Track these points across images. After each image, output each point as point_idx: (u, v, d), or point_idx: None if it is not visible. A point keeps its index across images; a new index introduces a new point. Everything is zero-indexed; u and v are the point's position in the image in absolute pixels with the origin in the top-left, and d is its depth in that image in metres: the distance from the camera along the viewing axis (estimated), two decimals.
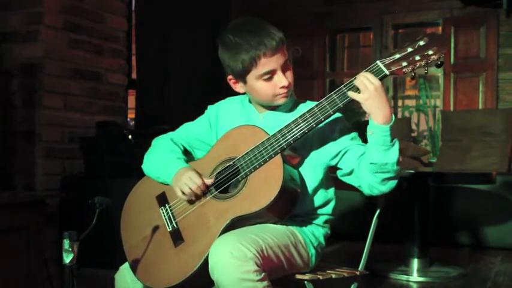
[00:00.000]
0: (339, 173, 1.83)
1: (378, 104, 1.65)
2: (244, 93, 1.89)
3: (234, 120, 1.88)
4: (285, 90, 1.78)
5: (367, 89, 1.64)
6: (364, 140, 1.78)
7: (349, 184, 2.00)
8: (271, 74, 1.76)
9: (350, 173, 1.79)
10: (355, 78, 1.67)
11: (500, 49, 6.03)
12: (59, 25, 3.64)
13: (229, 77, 1.84)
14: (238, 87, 1.85)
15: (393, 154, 1.68)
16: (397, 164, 1.69)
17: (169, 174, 1.80)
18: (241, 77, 1.79)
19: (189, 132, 1.96)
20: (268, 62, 1.73)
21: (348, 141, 1.78)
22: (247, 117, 1.89)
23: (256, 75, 1.76)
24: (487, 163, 5.04)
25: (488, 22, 6.04)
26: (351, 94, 1.66)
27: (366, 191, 1.76)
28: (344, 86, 1.68)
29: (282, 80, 1.76)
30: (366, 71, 1.67)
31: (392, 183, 1.73)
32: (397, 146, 1.69)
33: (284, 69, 1.77)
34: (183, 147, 1.94)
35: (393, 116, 1.68)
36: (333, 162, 1.81)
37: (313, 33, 6.68)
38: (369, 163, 1.69)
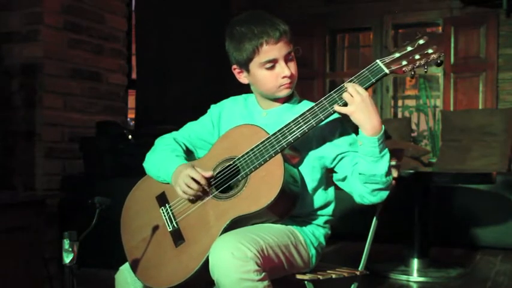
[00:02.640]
0: (334, 176, 1.84)
1: (365, 115, 1.65)
2: (244, 89, 1.89)
3: (236, 120, 1.88)
4: (287, 81, 1.79)
5: (353, 102, 1.64)
6: None
7: None
8: (273, 62, 1.77)
9: (343, 179, 1.80)
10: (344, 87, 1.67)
11: (500, 49, 6.04)
12: (59, 25, 3.64)
13: (234, 66, 1.86)
14: (243, 77, 1.86)
15: (382, 166, 1.68)
16: (386, 175, 1.69)
17: (168, 172, 1.80)
18: (245, 65, 1.81)
19: (191, 132, 1.96)
20: (271, 50, 1.75)
21: (346, 147, 1.78)
22: (250, 115, 1.89)
23: (258, 63, 1.77)
24: (487, 163, 5.04)
25: (488, 22, 6.05)
26: (338, 108, 1.67)
27: (357, 199, 1.77)
28: (338, 89, 1.68)
29: (284, 69, 1.77)
30: (366, 69, 1.67)
31: (383, 194, 1.73)
32: (387, 157, 1.69)
33: (287, 60, 1.79)
34: (186, 146, 1.94)
35: (383, 126, 1.68)
36: (331, 165, 1.81)
37: (313, 33, 6.69)
38: (358, 173, 1.70)
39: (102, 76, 4.01)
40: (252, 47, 1.75)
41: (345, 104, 1.67)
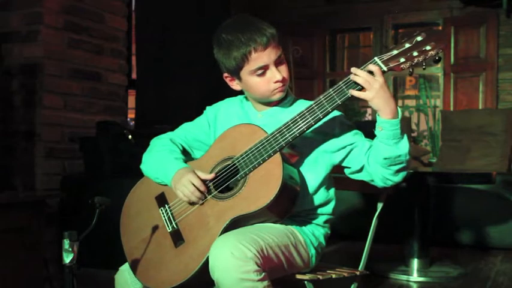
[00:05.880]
0: (347, 171, 1.83)
1: (385, 100, 1.64)
2: (241, 91, 1.89)
3: (232, 121, 1.88)
4: (280, 85, 1.78)
5: (372, 87, 1.63)
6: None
7: (349, 184, 2.00)
8: (263, 69, 1.76)
9: (360, 170, 1.78)
10: (350, 76, 1.66)
11: (500, 49, 6.04)
12: (59, 25, 3.64)
13: (225, 74, 1.86)
14: (235, 84, 1.86)
15: (404, 145, 1.68)
16: (409, 153, 1.70)
17: (168, 175, 1.80)
18: (236, 73, 1.80)
19: (187, 133, 1.96)
20: (260, 57, 1.74)
21: (351, 137, 1.78)
22: (246, 117, 1.89)
23: (249, 70, 1.76)
24: (487, 163, 5.04)
25: (488, 22, 6.05)
26: (357, 94, 1.65)
27: (380, 183, 1.76)
28: (343, 83, 1.67)
29: (275, 74, 1.77)
30: (364, 67, 1.66)
31: (405, 173, 1.74)
32: (406, 137, 1.69)
33: (277, 64, 1.78)
34: (182, 147, 1.94)
35: (399, 109, 1.68)
36: (337, 160, 1.80)
37: (313, 33, 6.68)
38: (383, 158, 1.69)
39: (102, 76, 4.00)
40: (240, 55, 1.74)
41: (359, 89, 1.65)
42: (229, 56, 1.76)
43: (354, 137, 1.79)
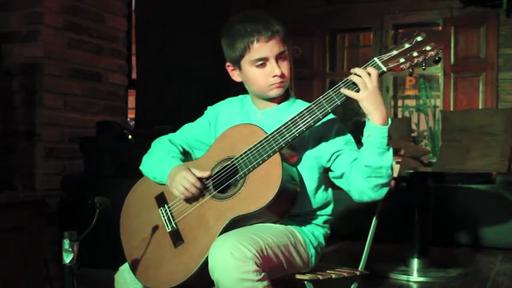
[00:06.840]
0: (330, 174, 1.84)
1: (375, 103, 1.65)
2: (241, 91, 1.90)
3: (233, 121, 1.88)
4: (278, 80, 1.79)
5: (366, 88, 1.64)
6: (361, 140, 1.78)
7: None
8: (263, 61, 1.77)
9: (341, 176, 1.79)
10: (351, 75, 1.67)
11: (500, 49, 6.03)
12: (59, 25, 3.64)
13: (227, 63, 1.88)
14: (235, 75, 1.88)
15: (388, 158, 1.68)
16: (391, 169, 1.70)
17: (164, 173, 1.80)
18: (237, 63, 1.82)
19: (188, 133, 1.96)
20: (262, 48, 1.75)
21: (341, 145, 1.79)
22: (246, 116, 1.89)
23: (249, 60, 1.78)
24: (487, 163, 5.04)
25: (488, 22, 6.05)
26: (348, 92, 1.66)
27: (356, 196, 1.76)
28: (342, 84, 1.68)
29: (274, 68, 1.77)
30: (364, 68, 1.66)
31: (384, 191, 1.73)
32: (391, 150, 1.69)
33: (279, 60, 1.79)
34: (182, 148, 1.94)
35: (390, 118, 1.68)
36: (324, 162, 1.81)
37: (313, 33, 6.69)
38: (364, 166, 1.69)
39: (102, 76, 4.00)
40: (243, 44, 1.76)
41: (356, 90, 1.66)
42: (234, 45, 1.79)
43: (344, 145, 1.79)
